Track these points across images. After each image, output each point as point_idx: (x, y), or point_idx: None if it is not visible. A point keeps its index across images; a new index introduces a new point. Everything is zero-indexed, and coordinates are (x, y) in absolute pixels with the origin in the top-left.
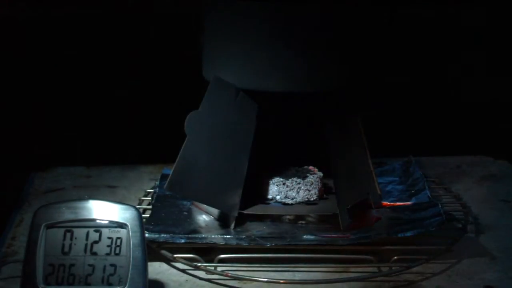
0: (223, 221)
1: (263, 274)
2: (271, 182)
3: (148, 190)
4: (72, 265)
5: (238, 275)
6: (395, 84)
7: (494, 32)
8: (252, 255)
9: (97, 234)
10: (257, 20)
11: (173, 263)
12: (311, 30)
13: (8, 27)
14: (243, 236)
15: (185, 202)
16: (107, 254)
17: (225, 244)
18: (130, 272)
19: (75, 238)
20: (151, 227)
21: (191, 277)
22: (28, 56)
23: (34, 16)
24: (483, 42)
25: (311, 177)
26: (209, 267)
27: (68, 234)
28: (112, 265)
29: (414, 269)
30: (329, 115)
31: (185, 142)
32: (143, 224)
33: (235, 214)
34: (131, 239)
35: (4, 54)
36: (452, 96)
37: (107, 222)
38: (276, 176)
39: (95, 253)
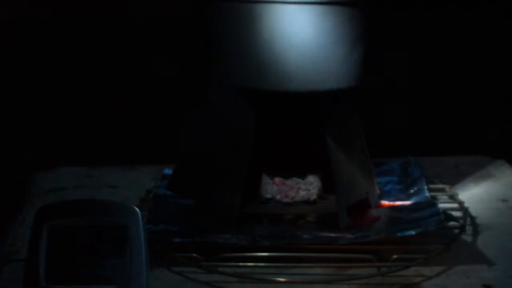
0: (223, 221)
1: (263, 274)
2: (271, 181)
3: (149, 190)
4: (73, 264)
5: (238, 274)
6: (394, 84)
7: (494, 33)
8: (252, 254)
9: (98, 234)
10: (257, 20)
11: (174, 263)
12: (311, 30)
13: (8, 28)
14: (243, 236)
15: (185, 202)
16: (108, 254)
17: (225, 243)
18: (131, 272)
19: (76, 238)
20: (152, 226)
21: (192, 276)
22: (30, 56)
23: (36, 17)
24: (483, 43)
25: (311, 177)
26: (209, 267)
27: (70, 234)
28: (113, 265)
29: (413, 268)
30: (329, 115)
31: (185, 142)
32: (144, 224)
33: (235, 213)
34: (132, 239)
35: (6, 54)
36: (450, 95)
37: (108, 222)
38: (276, 175)
39: (96, 253)
